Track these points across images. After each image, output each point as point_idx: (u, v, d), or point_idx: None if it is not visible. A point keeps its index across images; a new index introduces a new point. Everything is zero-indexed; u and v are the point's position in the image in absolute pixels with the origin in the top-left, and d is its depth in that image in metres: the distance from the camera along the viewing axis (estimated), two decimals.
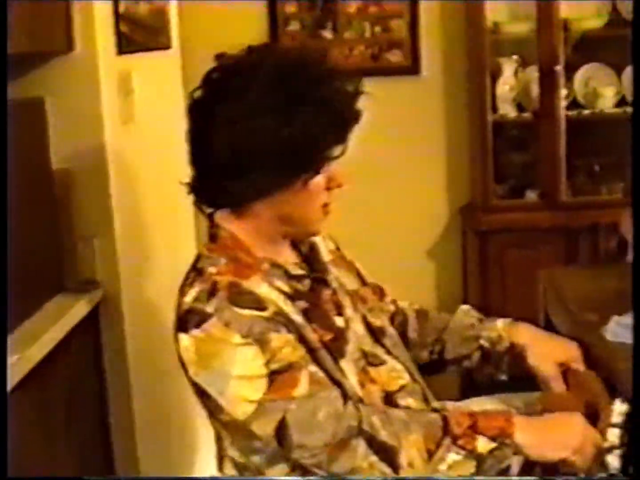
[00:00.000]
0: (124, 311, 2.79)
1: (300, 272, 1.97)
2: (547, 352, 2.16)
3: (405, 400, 1.97)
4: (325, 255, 2.11)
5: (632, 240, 2.54)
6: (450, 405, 2.04)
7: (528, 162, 4.33)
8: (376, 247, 4.23)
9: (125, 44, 2.86)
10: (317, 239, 2.11)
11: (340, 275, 2.10)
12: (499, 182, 4.25)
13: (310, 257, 2.05)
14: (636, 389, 1.89)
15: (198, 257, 1.94)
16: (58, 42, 2.58)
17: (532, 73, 4.18)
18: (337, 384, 1.84)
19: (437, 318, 2.27)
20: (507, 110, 4.19)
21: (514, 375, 2.25)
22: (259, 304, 1.80)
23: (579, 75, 4.26)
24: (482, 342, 2.20)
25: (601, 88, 4.21)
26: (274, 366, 1.75)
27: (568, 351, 2.19)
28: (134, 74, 2.93)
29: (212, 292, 1.80)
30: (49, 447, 2.42)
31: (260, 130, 1.78)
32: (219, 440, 1.98)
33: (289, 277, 1.93)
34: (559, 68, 4.03)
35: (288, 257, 2.00)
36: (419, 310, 2.29)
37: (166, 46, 3.38)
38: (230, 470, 1.96)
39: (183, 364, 1.85)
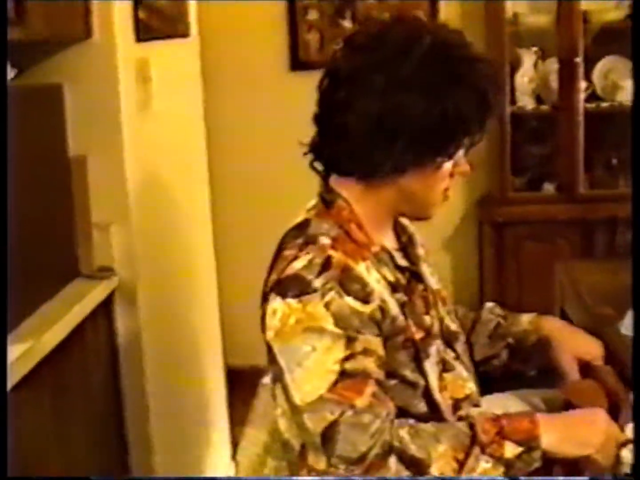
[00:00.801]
0: (138, 299, 2.79)
1: (404, 263, 1.95)
2: (572, 347, 2.15)
3: (466, 410, 1.95)
4: (420, 248, 2.08)
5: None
6: (474, 411, 1.99)
7: (546, 155, 4.33)
8: None
9: (144, 32, 2.85)
10: (415, 231, 2.08)
11: (428, 272, 2.07)
12: (517, 175, 4.25)
13: (407, 247, 2.02)
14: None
15: (307, 222, 1.87)
16: (76, 29, 2.58)
17: (552, 65, 4.18)
18: (413, 385, 1.85)
19: (464, 318, 2.23)
20: (526, 102, 4.20)
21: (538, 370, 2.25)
22: (365, 296, 1.76)
23: (599, 68, 4.25)
24: (509, 340, 2.18)
25: (621, 81, 4.19)
26: (348, 366, 1.71)
27: (592, 349, 2.17)
28: (151, 61, 2.92)
29: (324, 266, 1.75)
30: (62, 433, 2.43)
31: (413, 105, 1.75)
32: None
33: (395, 266, 1.90)
34: (579, 60, 4.03)
35: (392, 243, 1.96)
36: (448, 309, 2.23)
37: (185, 34, 3.38)
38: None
39: (263, 324, 1.81)
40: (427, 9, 4.29)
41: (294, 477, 1.82)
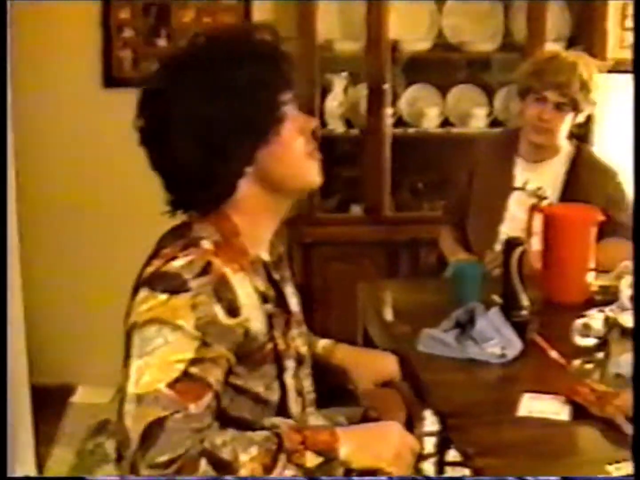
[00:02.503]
0: None
1: (277, 277, 1.99)
2: (366, 373, 2.23)
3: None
4: (287, 270, 2.12)
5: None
6: (278, 420, 2.01)
7: (354, 177, 4.44)
8: None
9: None
10: (284, 253, 2.12)
11: (290, 293, 2.09)
12: (326, 196, 4.34)
13: (278, 265, 2.05)
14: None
15: (189, 225, 1.91)
16: None
17: (362, 91, 4.29)
18: (265, 402, 1.90)
19: None
20: (336, 125, 4.30)
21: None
22: (234, 308, 1.80)
23: (406, 95, 4.41)
24: None
25: (426, 108, 4.36)
26: (194, 369, 1.73)
27: (387, 368, 2.27)
28: None
29: (203, 270, 1.78)
30: None
31: (219, 106, 1.81)
32: None
33: (269, 278, 1.94)
34: (386, 87, 4.16)
35: (267, 255, 1.99)
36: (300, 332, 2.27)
37: None
38: None
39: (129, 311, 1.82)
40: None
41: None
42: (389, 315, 2.73)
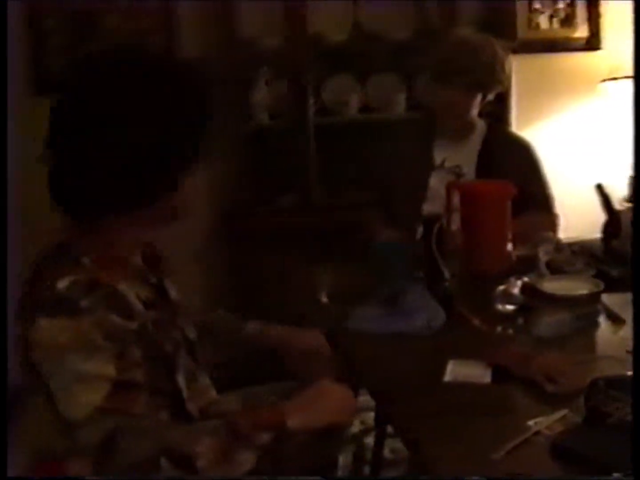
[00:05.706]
0: None
1: (154, 279, 2.02)
2: (295, 349, 2.34)
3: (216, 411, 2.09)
4: (163, 262, 2.13)
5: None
6: (225, 407, 2.14)
7: (283, 169, 4.45)
8: None
9: None
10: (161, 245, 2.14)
11: (170, 284, 2.12)
12: (256, 189, 4.37)
13: (152, 262, 2.07)
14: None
15: (64, 244, 1.89)
16: None
17: (284, 83, 4.37)
18: (172, 395, 1.95)
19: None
20: (261, 118, 4.37)
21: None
22: (130, 314, 1.83)
23: (328, 85, 4.50)
24: (237, 346, 2.34)
25: (347, 97, 4.47)
26: (122, 377, 1.77)
27: (314, 342, 2.37)
28: None
29: (90, 287, 1.78)
30: None
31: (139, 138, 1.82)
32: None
33: (147, 283, 1.98)
34: (308, 78, 4.27)
35: (139, 259, 2.01)
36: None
37: None
38: None
39: (24, 343, 1.80)
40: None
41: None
42: (322, 298, 2.82)
